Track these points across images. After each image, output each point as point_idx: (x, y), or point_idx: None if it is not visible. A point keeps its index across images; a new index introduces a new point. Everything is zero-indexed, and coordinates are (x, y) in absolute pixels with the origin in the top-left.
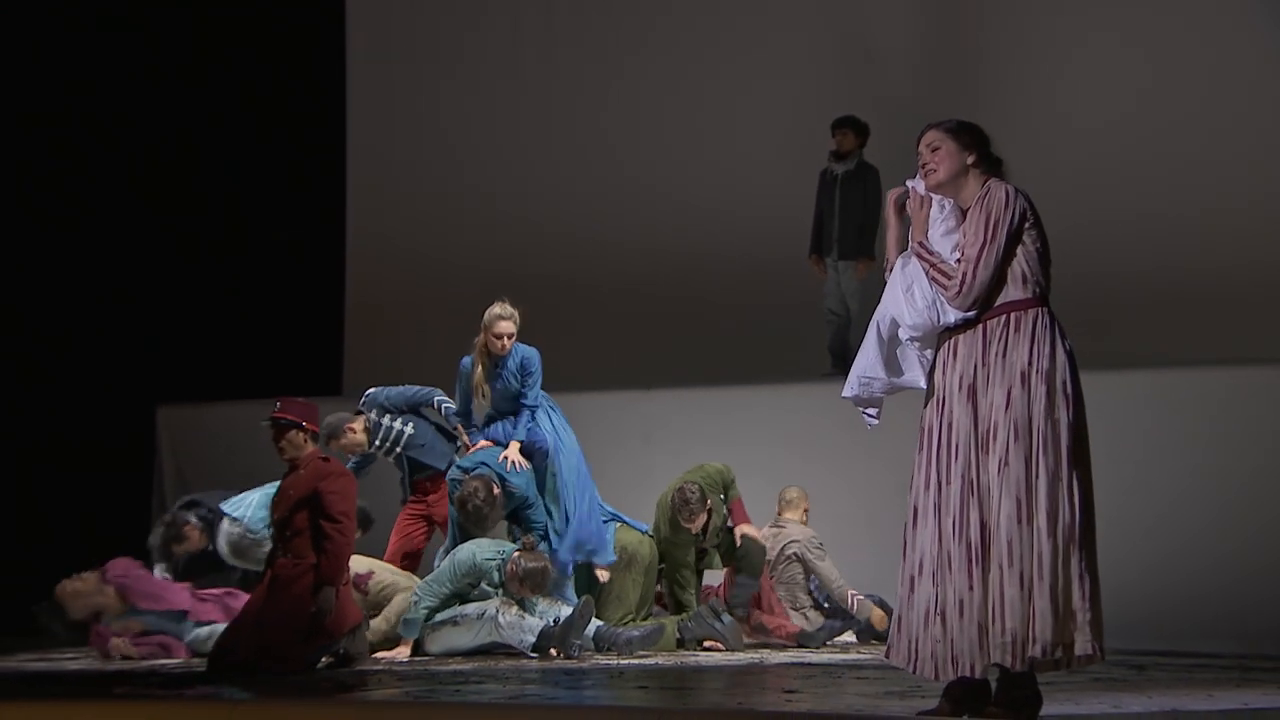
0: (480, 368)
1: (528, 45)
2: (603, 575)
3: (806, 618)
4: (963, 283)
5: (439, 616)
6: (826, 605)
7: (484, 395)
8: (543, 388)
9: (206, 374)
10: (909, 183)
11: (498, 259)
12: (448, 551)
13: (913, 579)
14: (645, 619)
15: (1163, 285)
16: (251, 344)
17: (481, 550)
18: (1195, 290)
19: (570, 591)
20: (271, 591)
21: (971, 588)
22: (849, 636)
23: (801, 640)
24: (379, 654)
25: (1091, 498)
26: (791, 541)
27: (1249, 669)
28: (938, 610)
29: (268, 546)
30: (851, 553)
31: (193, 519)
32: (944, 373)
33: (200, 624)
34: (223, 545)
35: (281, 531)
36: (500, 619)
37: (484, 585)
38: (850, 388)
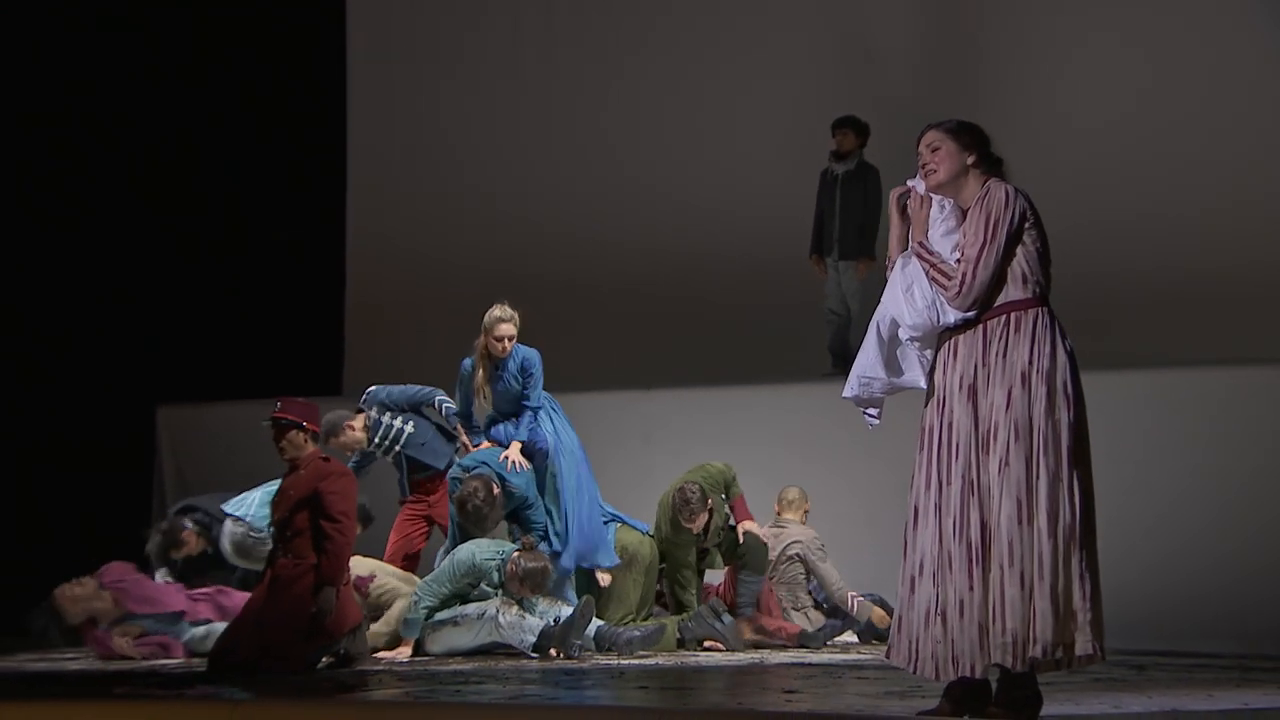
0: (481, 371)
1: (528, 45)
2: (604, 580)
3: (808, 617)
4: (962, 283)
5: (439, 616)
6: (826, 605)
7: (485, 397)
8: (543, 388)
9: (207, 374)
10: (910, 182)
11: (498, 259)
12: (448, 552)
13: (913, 579)
14: (646, 619)
15: (1163, 285)
16: (251, 344)
17: (481, 550)
18: (1195, 290)
19: (571, 592)
20: (272, 591)
21: (972, 588)
22: (849, 636)
23: (802, 640)
24: (380, 654)
25: (1092, 498)
26: (794, 542)
27: (1249, 669)
28: (938, 610)
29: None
30: (852, 553)
31: (189, 524)
32: (944, 373)
33: (195, 623)
34: (226, 545)
35: (282, 531)
36: (500, 619)
37: (483, 586)
38: (850, 388)
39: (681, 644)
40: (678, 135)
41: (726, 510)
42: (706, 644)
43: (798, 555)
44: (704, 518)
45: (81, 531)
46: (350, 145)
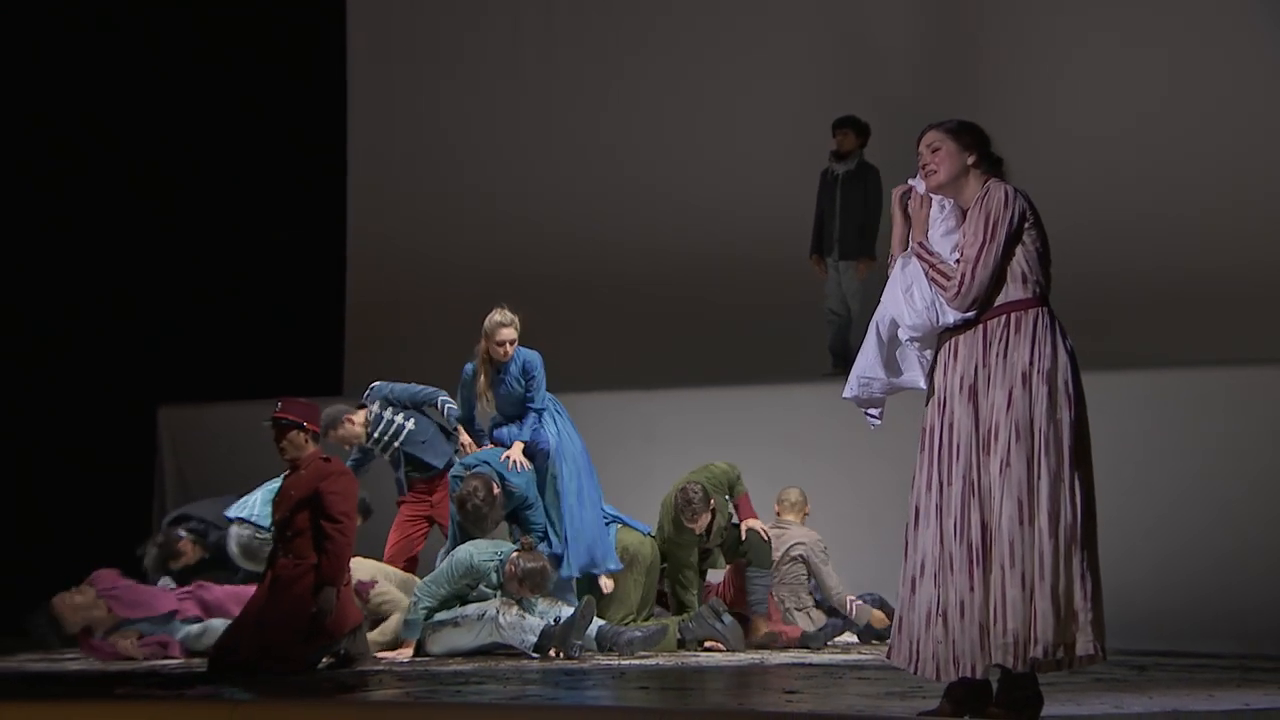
0: (483, 376)
1: (528, 45)
2: (606, 585)
3: (810, 617)
4: (961, 283)
5: (440, 617)
6: (826, 604)
7: (488, 402)
8: (545, 389)
9: (207, 374)
10: (911, 181)
11: (498, 259)
12: (448, 553)
13: (914, 580)
14: (646, 619)
15: (1163, 285)
16: (252, 344)
17: (479, 551)
18: (1195, 290)
19: (572, 594)
20: (272, 592)
21: (973, 588)
22: (850, 637)
23: (803, 640)
24: (381, 654)
25: (1093, 498)
26: (797, 543)
27: (1250, 669)
28: (939, 611)
29: None
30: (853, 553)
31: (184, 533)
32: (945, 373)
33: (186, 621)
34: (234, 548)
35: (282, 532)
36: (501, 619)
37: (482, 587)
38: (850, 388)
39: (682, 644)
40: (678, 135)
41: (730, 510)
42: (707, 644)
43: (801, 556)
44: (706, 518)
45: (81, 532)
46: (350, 145)
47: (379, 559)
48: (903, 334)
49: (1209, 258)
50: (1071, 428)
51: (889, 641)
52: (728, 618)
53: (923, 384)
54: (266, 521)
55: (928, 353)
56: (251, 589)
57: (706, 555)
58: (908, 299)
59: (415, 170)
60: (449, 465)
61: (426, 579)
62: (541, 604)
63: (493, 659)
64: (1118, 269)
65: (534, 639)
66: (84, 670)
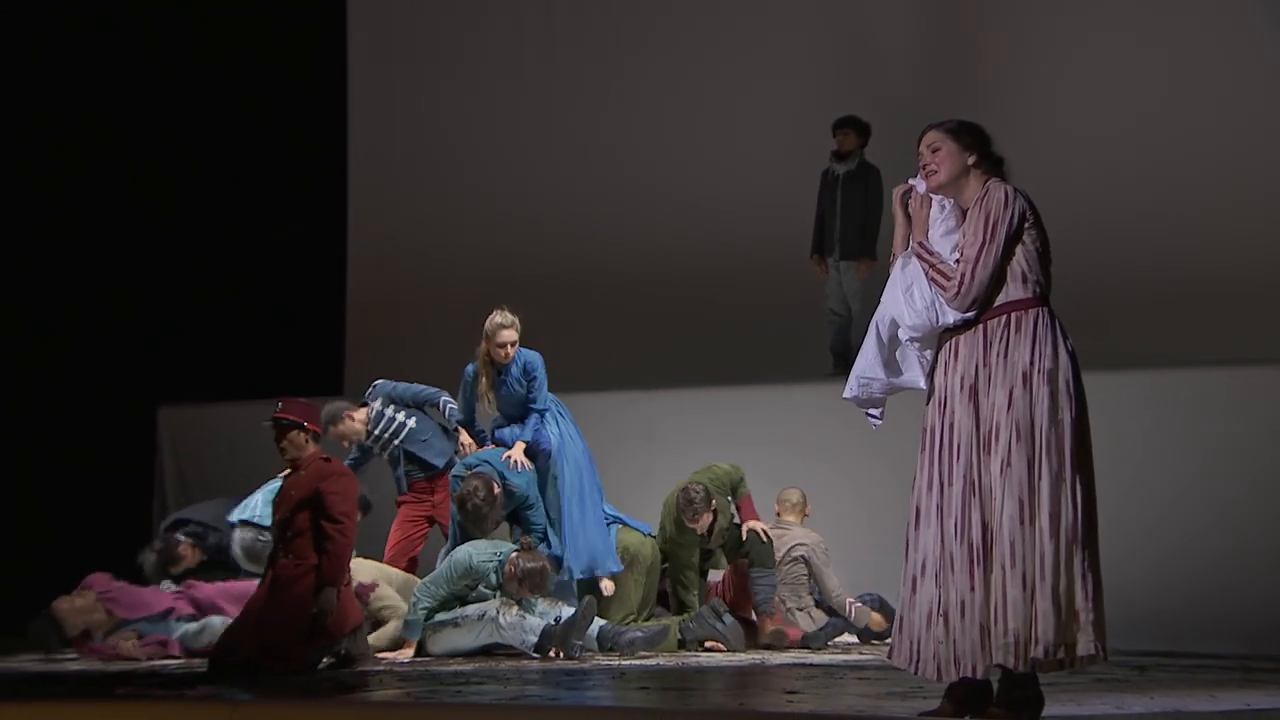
0: (484, 377)
1: (528, 45)
2: (607, 588)
3: (811, 616)
4: (961, 283)
5: (440, 618)
6: (826, 604)
7: (490, 403)
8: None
9: (208, 374)
10: (912, 180)
11: (498, 259)
12: (449, 553)
13: (915, 580)
14: (647, 619)
15: (1163, 285)
16: (253, 344)
17: (478, 552)
18: (1195, 290)
19: (573, 596)
20: (273, 592)
21: (973, 588)
22: (850, 637)
23: (804, 640)
24: (382, 654)
25: (1094, 498)
26: (799, 544)
27: (1251, 669)
28: (940, 611)
29: None
30: (853, 553)
31: (183, 538)
32: (945, 373)
33: (181, 619)
34: (237, 550)
35: (283, 532)
36: (501, 620)
37: (481, 588)
38: (850, 389)
39: (683, 644)
40: (678, 135)
41: (732, 511)
42: (708, 644)
43: (803, 557)
44: (707, 518)
45: (81, 532)
46: (351, 145)
47: (379, 558)
48: (903, 334)
49: (1209, 258)
50: (1073, 428)
51: (890, 642)
52: (728, 618)
53: (923, 384)
54: (268, 522)
55: (928, 353)
56: (241, 584)
57: (708, 556)
58: (908, 299)
59: (415, 170)
60: (449, 464)
61: (425, 579)
62: (542, 604)
63: (493, 659)
64: (1118, 269)
65: (534, 639)
66: (84, 670)
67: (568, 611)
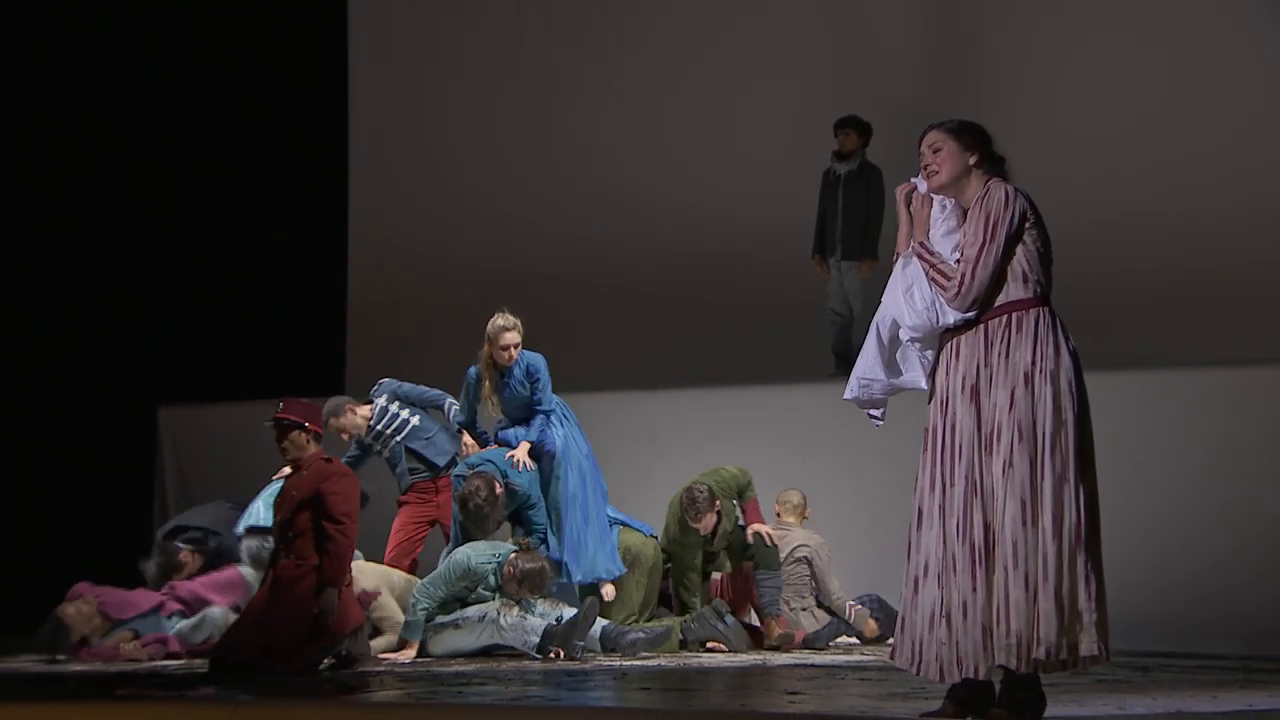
0: (487, 381)
1: (528, 45)
2: (609, 593)
3: (814, 616)
4: (961, 283)
5: (441, 619)
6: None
7: (494, 406)
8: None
9: (208, 374)
10: (914, 180)
11: (498, 259)
12: (450, 554)
13: (917, 580)
14: (649, 620)
15: (1163, 285)
16: (253, 344)
17: (477, 553)
18: (1195, 290)
19: (574, 596)
20: (274, 592)
21: (975, 589)
22: (851, 638)
23: (806, 641)
24: (383, 655)
25: (1096, 498)
26: (801, 545)
27: (1253, 670)
28: (942, 612)
29: None
30: (855, 554)
31: (182, 545)
32: (947, 374)
33: (173, 615)
34: (244, 559)
35: (284, 532)
36: (501, 621)
37: (480, 589)
38: (850, 390)
39: (684, 645)
40: (678, 135)
41: (737, 514)
42: (709, 645)
43: (806, 558)
44: (711, 518)
45: (81, 531)
46: (351, 145)
47: (378, 559)
48: (904, 334)
49: (1209, 258)
50: (1075, 428)
51: (891, 642)
52: (730, 619)
53: (924, 384)
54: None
55: (929, 353)
56: (223, 573)
57: (712, 558)
58: (908, 299)
59: (415, 170)
60: (451, 463)
61: (424, 580)
62: (542, 605)
63: (494, 660)
64: (1118, 269)
65: (536, 639)
66: (85, 671)
67: (569, 612)
